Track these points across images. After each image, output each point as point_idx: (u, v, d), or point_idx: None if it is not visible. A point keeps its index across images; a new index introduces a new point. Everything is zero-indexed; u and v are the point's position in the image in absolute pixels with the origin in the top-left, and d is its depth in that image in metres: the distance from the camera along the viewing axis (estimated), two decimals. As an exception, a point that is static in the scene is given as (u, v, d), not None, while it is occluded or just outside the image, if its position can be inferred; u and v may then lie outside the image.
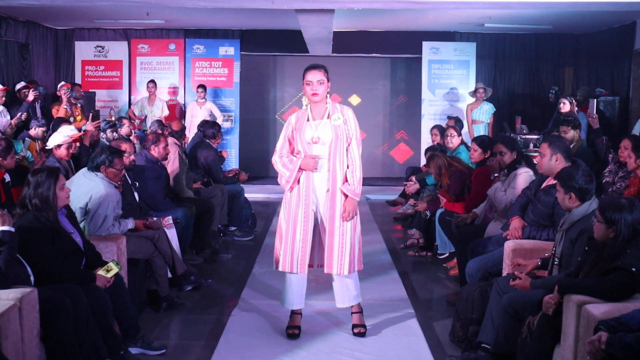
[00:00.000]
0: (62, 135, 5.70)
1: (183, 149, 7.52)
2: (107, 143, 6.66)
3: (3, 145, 5.28)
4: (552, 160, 4.55)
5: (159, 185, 6.10)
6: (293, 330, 4.54)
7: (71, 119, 8.43)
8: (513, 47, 11.55)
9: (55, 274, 3.82)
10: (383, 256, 6.74)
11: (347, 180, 4.39)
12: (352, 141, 4.41)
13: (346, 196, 4.39)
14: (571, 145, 6.31)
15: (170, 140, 6.76)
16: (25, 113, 7.80)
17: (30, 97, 8.07)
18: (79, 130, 6.69)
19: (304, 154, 4.41)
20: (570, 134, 6.75)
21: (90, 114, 7.51)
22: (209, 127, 7.88)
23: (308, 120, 4.42)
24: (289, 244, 4.45)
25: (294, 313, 4.61)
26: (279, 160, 4.52)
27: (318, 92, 4.33)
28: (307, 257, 4.45)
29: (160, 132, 7.23)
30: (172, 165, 6.63)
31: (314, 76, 4.33)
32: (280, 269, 4.52)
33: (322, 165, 4.40)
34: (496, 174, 5.62)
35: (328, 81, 4.38)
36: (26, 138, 7.09)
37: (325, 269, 4.47)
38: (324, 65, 4.44)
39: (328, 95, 4.42)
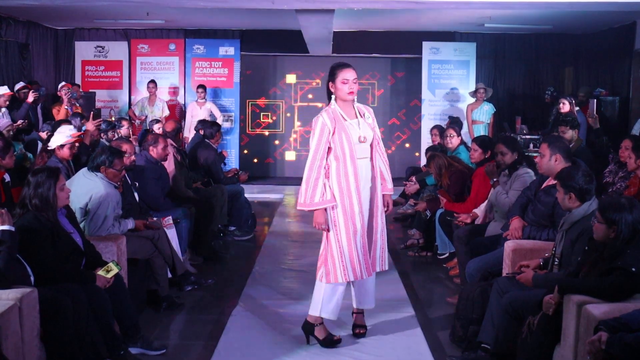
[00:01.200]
0: (64, 136, 5.69)
1: (181, 149, 7.50)
2: (107, 143, 6.66)
3: (1, 144, 5.26)
4: (551, 161, 4.55)
5: (159, 185, 6.09)
6: (335, 336, 4.41)
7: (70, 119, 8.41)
8: (513, 47, 11.54)
9: (55, 274, 3.82)
10: (383, 256, 6.73)
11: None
12: (379, 139, 4.42)
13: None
14: (570, 145, 6.30)
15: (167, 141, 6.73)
16: (25, 120, 7.78)
17: (30, 99, 8.05)
18: (79, 130, 6.68)
19: (349, 154, 4.20)
20: (569, 133, 6.75)
21: (92, 113, 7.50)
22: (207, 127, 7.88)
23: (345, 120, 4.26)
24: (353, 251, 4.24)
25: (321, 323, 4.40)
26: (320, 179, 4.19)
27: (354, 90, 4.24)
28: (369, 258, 4.32)
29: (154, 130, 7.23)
30: (168, 166, 6.61)
31: (351, 74, 4.22)
32: (350, 279, 4.29)
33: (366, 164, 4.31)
34: (495, 179, 5.61)
35: None
36: (38, 141, 7.07)
37: (371, 268, 4.36)
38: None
39: None
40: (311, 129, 4.29)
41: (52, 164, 5.31)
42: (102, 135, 7.31)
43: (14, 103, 8.37)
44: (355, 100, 4.33)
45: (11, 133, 7.02)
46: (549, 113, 10.02)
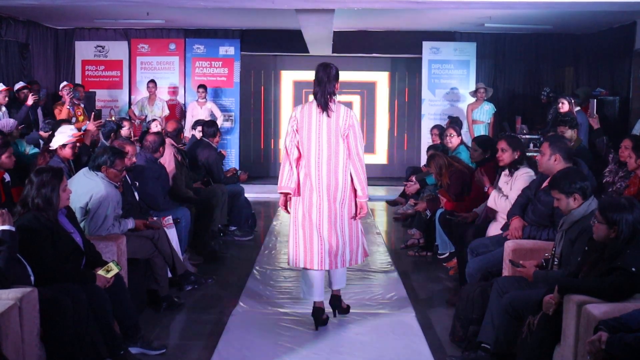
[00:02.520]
0: (66, 135, 5.69)
1: (181, 150, 7.48)
2: (107, 143, 6.66)
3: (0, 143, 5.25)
4: (550, 160, 4.56)
5: (159, 185, 6.09)
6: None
7: (73, 120, 8.41)
8: (513, 47, 11.53)
9: (55, 274, 3.82)
10: (383, 256, 6.74)
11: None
12: None
13: None
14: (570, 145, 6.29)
15: (168, 141, 6.74)
16: (23, 125, 7.76)
17: (30, 102, 8.05)
18: (79, 130, 6.67)
19: None
20: (569, 133, 6.74)
21: (93, 114, 7.50)
22: (208, 126, 7.86)
23: None
24: None
25: None
26: None
27: None
28: None
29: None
30: (168, 167, 6.61)
31: None
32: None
33: None
34: (487, 187, 5.56)
35: None
36: (39, 140, 7.07)
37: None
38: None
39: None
40: (353, 125, 4.52)
41: (54, 164, 5.30)
42: (112, 135, 7.29)
43: (14, 103, 8.37)
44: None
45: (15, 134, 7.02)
46: (546, 113, 10.04)
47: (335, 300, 4.78)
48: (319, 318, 4.61)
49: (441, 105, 11.34)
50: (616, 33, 9.79)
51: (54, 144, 5.69)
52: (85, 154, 6.16)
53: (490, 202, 5.31)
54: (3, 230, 3.51)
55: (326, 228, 4.52)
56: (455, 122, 8.87)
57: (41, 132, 7.10)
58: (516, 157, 5.28)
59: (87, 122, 7.73)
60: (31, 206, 3.91)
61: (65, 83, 9.39)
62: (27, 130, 7.78)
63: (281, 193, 4.60)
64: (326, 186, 4.49)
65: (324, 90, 4.46)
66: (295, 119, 4.53)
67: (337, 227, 4.54)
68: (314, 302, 4.63)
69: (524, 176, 5.17)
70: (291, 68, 12.23)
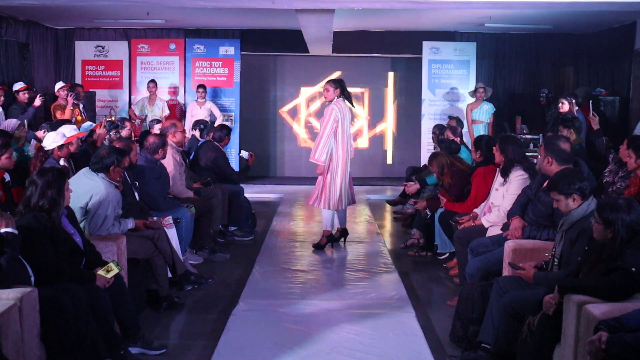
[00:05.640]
0: (61, 136, 5.67)
1: (180, 149, 7.46)
2: (107, 143, 6.66)
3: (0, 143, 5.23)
4: (544, 162, 4.59)
5: (159, 185, 6.09)
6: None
7: (72, 120, 8.40)
8: (513, 47, 11.53)
9: (55, 274, 3.81)
10: (383, 256, 6.74)
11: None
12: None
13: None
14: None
15: (168, 141, 6.72)
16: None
17: (37, 103, 8.05)
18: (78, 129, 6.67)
19: None
20: (565, 132, 6.73)
21: (104, 118, 7.53)
22: (217, 131, 7.87)
23: None
24: None
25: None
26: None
27: (325, 95, 6.85)
28: None
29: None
30: (168, 167, 6.59)
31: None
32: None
33: None
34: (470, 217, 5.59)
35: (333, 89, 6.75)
36: (32, 139, 7.06)
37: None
38: (332, 80, 6.77)
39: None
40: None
41: (49, 164, 5.27)
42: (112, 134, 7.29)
43: (14, 103, 8.35)
44: (327, 103, 6.83)
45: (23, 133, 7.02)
46: (544, 115, 10.02)
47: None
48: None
49: (441, 105, 11.33)
50: (616, 33, 9.79)
51: (49, 145, 5.65)
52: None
53: (486, 224, 5.30)
54: (6, 232, 3.51)
55: (347, 182, 6.84)
56: (457, 122, 8.85)
57: (38, 133, 7.09)
58: (502, 159, 5.26)
59: (88, 122, 7.74)
60: (34, 207, 3.91)
61: (62, 84, 9.36)
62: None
63: (315, 162, 6.75)
64: (349, 156, 6.82)
65: (349, 94, 6.82)
66: (337, 115, 6.66)
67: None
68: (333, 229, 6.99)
69: (517, 179, 5.14)
70: (291, 68, 12.21)
